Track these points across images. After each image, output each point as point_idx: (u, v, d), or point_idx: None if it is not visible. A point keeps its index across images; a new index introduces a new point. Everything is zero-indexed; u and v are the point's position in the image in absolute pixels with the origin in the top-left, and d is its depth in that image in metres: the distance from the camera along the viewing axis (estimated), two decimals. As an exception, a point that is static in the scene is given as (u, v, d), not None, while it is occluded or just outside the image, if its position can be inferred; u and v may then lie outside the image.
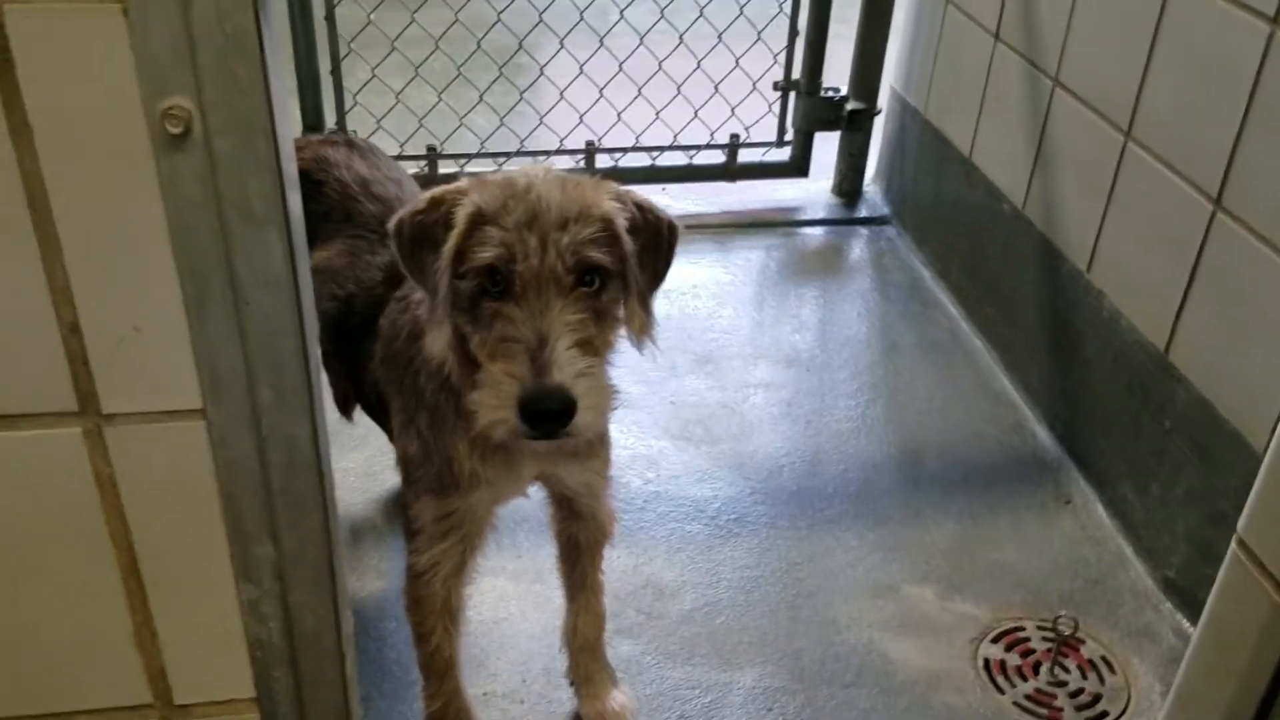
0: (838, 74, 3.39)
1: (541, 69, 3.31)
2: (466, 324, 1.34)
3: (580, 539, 1.76)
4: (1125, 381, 2.27)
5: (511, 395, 1.23)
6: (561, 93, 3.28)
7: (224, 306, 0.94)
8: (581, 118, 3.31)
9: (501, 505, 1.65)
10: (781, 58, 3.34)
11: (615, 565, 2.15)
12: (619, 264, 1.33)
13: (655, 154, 3.39)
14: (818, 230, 3.41)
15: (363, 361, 1.69)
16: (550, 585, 2.10)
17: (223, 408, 0.99)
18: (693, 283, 3.08)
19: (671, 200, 3.49)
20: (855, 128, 3.36)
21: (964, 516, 2.33)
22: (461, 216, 1.30)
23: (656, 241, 1.40)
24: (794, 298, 3.05)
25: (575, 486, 1.65)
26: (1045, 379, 2.59)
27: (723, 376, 2.71)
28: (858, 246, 3.33)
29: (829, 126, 3.37)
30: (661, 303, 2.96)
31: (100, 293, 0.96)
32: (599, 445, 1.61)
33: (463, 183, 1.37)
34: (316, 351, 1.09)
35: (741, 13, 3.30)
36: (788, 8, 3.30)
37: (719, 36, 3.29)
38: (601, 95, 3.29)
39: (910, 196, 3.34)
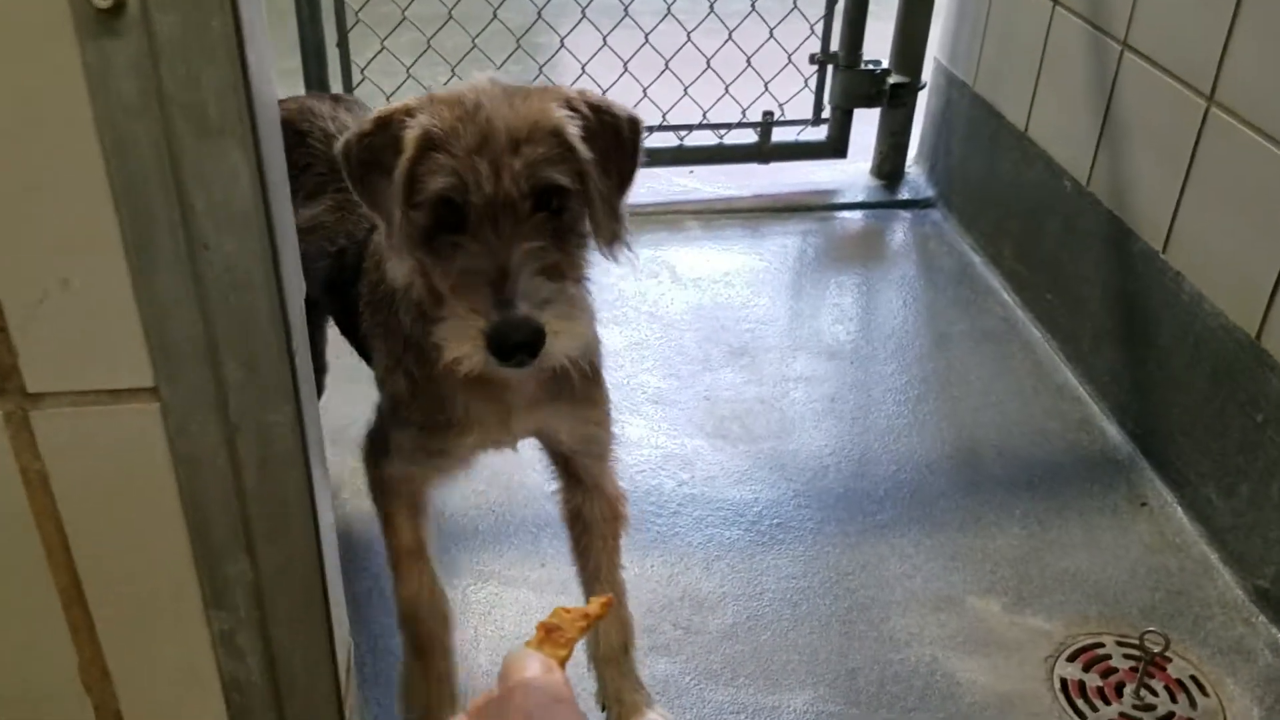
0: (878, 46, 3.18)
1: (562, 42, 3.10)
2: (425, 256, 1.28)
3: (588, 517, 1.65)
4: (1208, 371, 2.05)
5: (477, 330, 1.20)
6: (583, 68, 3.07)
7: (175, 251, 0.73)
8: (604, 94, 3.10)
9: (487, 451, 1.59)
10: (818, 29, 3.12)
11: (649, 574, 1.95)
12: (578, 178, 1.26)
13: (683, 134, 3.18)
14: (856, 214, 3.20)
15: (357, 314, 1.62)
16: (577, 597, 1.89)
17: (179, 386, 0.78)
18: (724, 270, 2.87)
19: (700, 184, 3.28)
20: (897, 103, 3.15)
21: (1030, 521, 2.12)
22: (410, 140, 1.24)
23: (618, 143, 1.32)
24: (833, 286, 2.84)
25: (572, 441, 1.57)
26: (1114, 370, 2.37)
27: (760, 370, 2.50)
28: (900, 231, 3.12)
29: (869, 103, 3.16)
30: (691, 291, 2.78)
31: (12, 233, 0.77)
32: (592, 388, 1.53)
33: (410, 100, 1.29)
34: (299, 313, 0.88)
35: (776, -20, 3.09)
36: (825, -24, 3.09)
37: (752, 6, 3.08)
38: (626, 70, 3.08)
39: (957, 176, 3.12)
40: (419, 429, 1.48)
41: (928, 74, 3.21)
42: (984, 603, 1.95)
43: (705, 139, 3.20)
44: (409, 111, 1.27)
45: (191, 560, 0.88)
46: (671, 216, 3.13)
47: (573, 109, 1.28)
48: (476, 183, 1.21)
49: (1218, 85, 2.00)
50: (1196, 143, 2.07)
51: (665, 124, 3.16)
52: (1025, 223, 2.73)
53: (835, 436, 2.31)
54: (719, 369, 2.50)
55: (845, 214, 3.20)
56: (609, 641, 1.67)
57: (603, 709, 1.69)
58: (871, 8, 3.06)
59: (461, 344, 1.22)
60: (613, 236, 1.33)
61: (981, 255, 2.94)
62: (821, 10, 3.10)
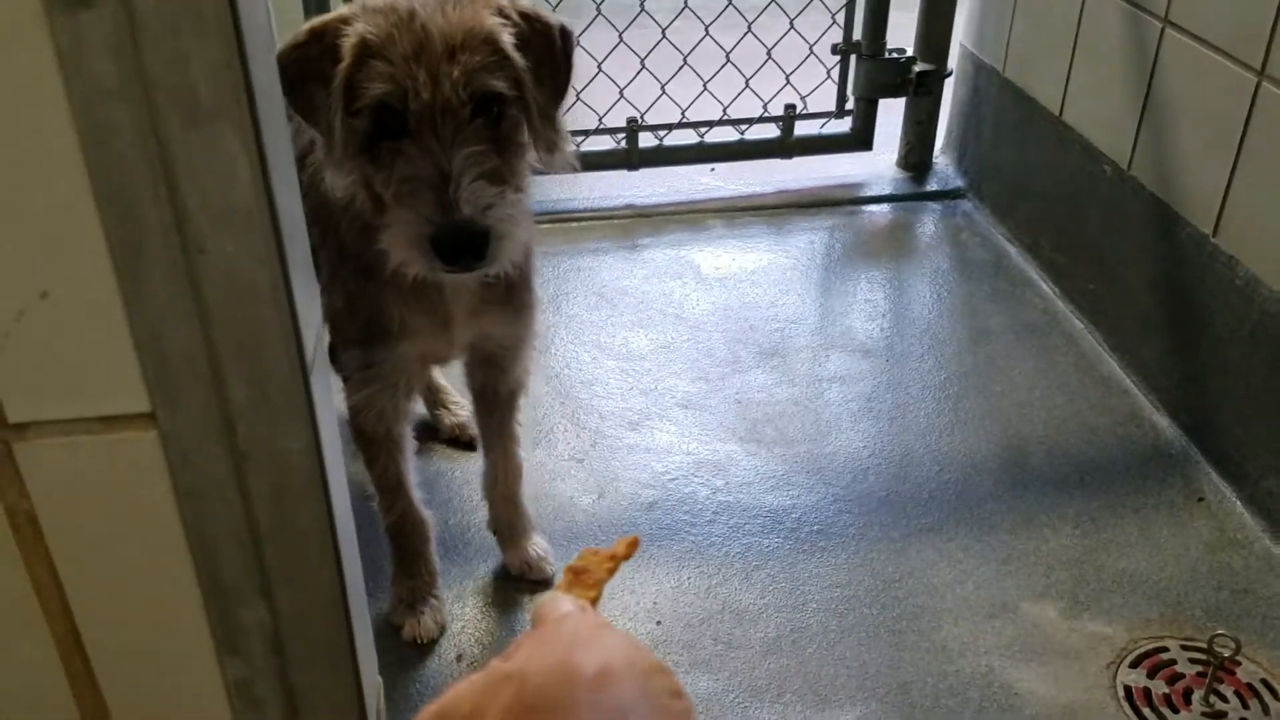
0: (901, 35, 3.08)
1: (576, 40, 3.02)
2: (367, 164, 1.31)
3: (499, 389, 1.75)
4: (1267, 358, 1.95)
5: (422, 234, 1.23)
6: (599, 66, 2.99)
7: (167, 255, 0.65)
8: (622, 93, 3.02)
9: (431, 362, 1.70)
10: (840, 19, 3.03)
11: (685, 587, 1.86)
12: (514, 85, 1.30)
13: (703, 130, 3.09)
14: (884, 207, 3.10)
15: None
16: (610, 609, 1.81)
17: (179, 411, 0.70)
18: (750, 269, 2.78)
19: (721, 181, 3.20)
20: (924, 92, 3.05)
21: (1083, 520, 2.02)
22: (347, 48, 1.26)
23: (550, 52, 1.36)
24: (864, 281, 2.75)
25: (503, 341, 1.64)
26: (1163, 361, 2.26)
27: (791, 370, 2.41)
28: (930, 223, 3.02)
29: (894, 92, 3.06)
30: (717, 291, 2.69)
31: (-18, 241, 0.68)
32: (528, 294, 1.60)
33: (344, 9, 1.31)
34: (315, 322, 0.80)
35: (795, -31, 3.00)
36: (845, -37, 3.00)
37: (770, -2, 2.99)
38: (643, 67, 3.00)
39: (989, 165, 3.02)
40: (360, 345, 1.52)
41: (954, 61, 3.11)
42: (1040, 608, 1.85)
43: (726, 135, 3.11)
44: (344, 20, 1.28)
45: (201, 603, 0.79)
46: (693, 215, 3.04)
47: (504, 16, 1.31)
48: (415, 89, 1.23)
49: (1269, 59, 1.90)
50: (1247, 120, 1.97)
51: (685, 121, 3.07)
52: (1063, 211, 2.63)
53: (874, 437, 2.21)
54: (749, 370, 2.41)
55: (872, 207, 3.10)
56: (505, 482, 1.85)
57: (495, 534, 1.91)
58: (892, -4, 2.97)
59: (407, 248, 1.26)
60: (551, 145, 1.36)
61: (1017, 246, 2.84)
62: (842, 0, 3.01)
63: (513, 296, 1.56)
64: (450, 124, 1.25)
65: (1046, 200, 2.70)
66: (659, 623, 1.80)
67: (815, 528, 1.99)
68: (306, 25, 1.32)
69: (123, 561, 0.77)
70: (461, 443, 2.23)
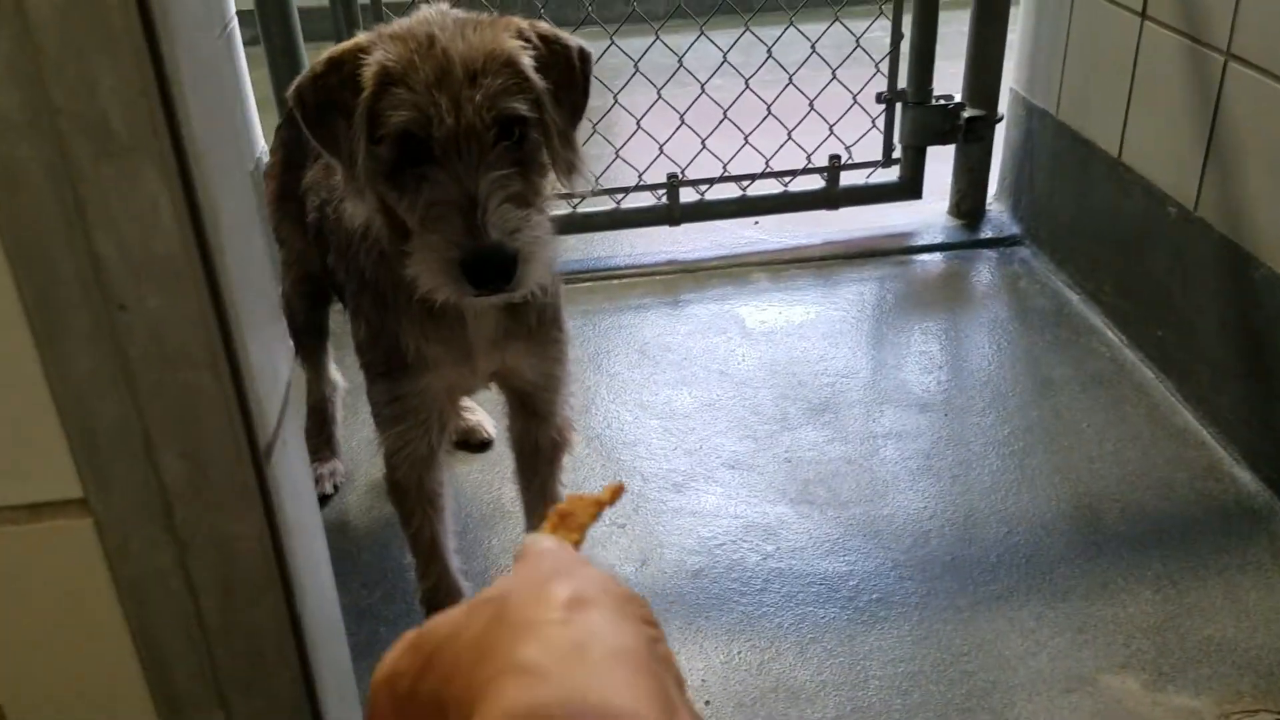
0: (946, 82, 3.00)
1: (615, 99, 2.96)
2: (390, 191, 1.30)
3: (540, 443, 1.69)
4: (1360, 407, 1.80)
5: (451, 259, 1.22)
6: (638, 123, 2.94)
7: (88, 313, 0.56)
8: (661, 148, 2.96)
9: (457, 395, 1.65)
10: (884, 67, 2.95)
11: (736, 662, 1.74)
12: (535, 108, 1.29)
13: (745, 184, 3.02)
14: (936, 256, 2.99)
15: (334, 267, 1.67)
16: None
17: (112, 494, 0.61)
18: (797, 322, 2.68)
19: (765, 234, 3.11)
20: (974, 138, 2.95)
21: (1163, 584, 1.87)
22: (368, 77, 1.25)
23: (569, 74, 1.36)
24: (918, 333, 2.63)
25: (534, 378, 1.59)
26: (1241, 409, 2.12)
27: (844, 427, 2.30)
28: (985, 271, 2.90)
29: (942, 139, 2.97)
30: (763, 346, 2.59)
31: None
32: (555, 329, 1.56)
33: (360, 38, 1.30)
34: (280, 389, 0.71)
35: (836, 19, 2.93)
36: (888, 9, 2.93)
37: (812, 48, 2.92)
38: (683, 122, 2.94)
39: (1045, 211, 2.91)
40: (385, 378, 1.50)
41: (1004, 105, 3.01)
42: (1121, 680, 1.71)
43: (770, 188, 3.03)
44: (361, 49, 1.27)
45: (153, 712, 0.69)
46: (737, 269, 2.96)
47: (524, 39, 1.30)
48: (439, 115, 1.22)
49: (1345, 87, 1.79)
50: (1324, 152, 1.85)
51: (726, 175, 3.00)
52: (1126, 255, 2.50)
53: (934, 498, 2.08)
54: (799, 428, 2.30)
55: (924, 257, 2.99)
56: None
57: None
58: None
59: (436, 273, 1.24)
60: (569, 166, 1.36)
61: (1079, 293, 2.72)
62: (885, 48, 2.94)
63: (538, 327, 1.53)
64: (475, 148, 1.24)
65: (1108, 245, 2.58)
66: (708, 702, 1.68)
67: (874, 596, 1.86)
68: (324, 55, 1.31)
69: (63, 667, 0.67)
70: (471, 446, 2.22)
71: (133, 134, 0.56)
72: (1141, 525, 2.00)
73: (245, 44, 2.68)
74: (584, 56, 1.38)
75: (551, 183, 1.39)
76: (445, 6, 1.35)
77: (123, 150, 0.56)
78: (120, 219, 0.58)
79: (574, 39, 1.37)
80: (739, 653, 1.76)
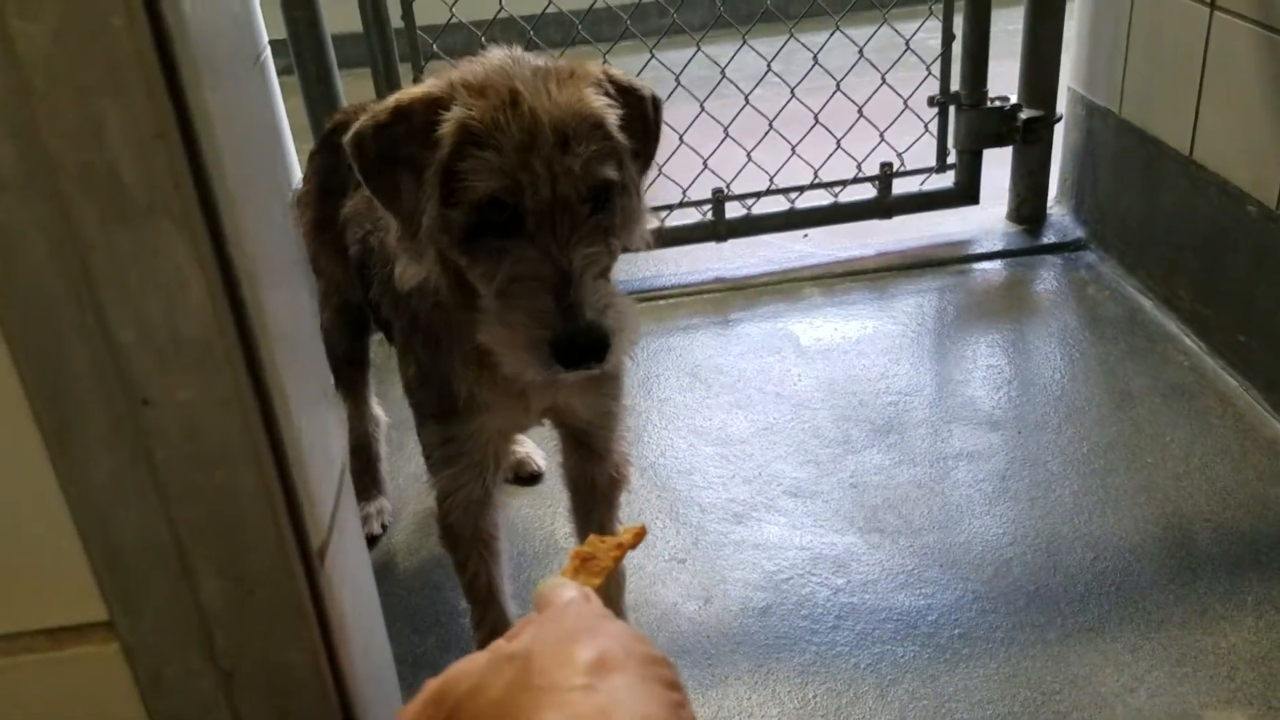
0: (1000, 84, 2.88)
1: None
2: (461, 256, 1.22)
3: (597, 481, 1.61)
4: None
5: (542, 339, 1.16)
6: (680, 137, 2.84)
7: (107, 410, 0.47)
8: (706, 163, 2.86)
9: (511, 434, 1.60)
10: (935, 69, 2.84)
11: (811, 707, 1.63)
12: (619, 169, 1.22)
13: (793, 196, 2.91)
14: (997, 264, 2.87)
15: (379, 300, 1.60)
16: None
17: (143, 618, 0.52)
18: (854, 338, 2.57)
19: (815, 247, 3.00)
20: (1032, 139, 2.83)
21: (1265, 609, 1.74)
22: (447, 134, 1.16)
23: (645, 126, 1.29)
24: (983, 346, 2.51)
25: (590, 417, 1.52)
26: (1342, 420, 1.98)
27: (911, 448, 2.18)
28: (1050, 278, 2.77)
29: (999, 142, 2.85)
30: (820, 364, 2.49)
31: None
32: (613, 367, 1.46)
33: (432, 87, 1.21)
34: (331, 486, 0.61)
35: (884, 21, 2.82)
36: (938, 10, 2.82)
37: (859, 53, 2.81)
38: (726, 135, 2.84)
39: (1111, 213, 2.78)
40: (436, 420, 1.45)
41: (1062, 105, 2.89)
42: (1227, 716, 1.58)
43: (819, 199, 2.93)
44: (435, 100, 1.19)
45: None
46: (788, 285, 2.85)
47: (603, 91, 1.23)
48: (533, 185, 1.15)
49: None
50: None
51: (774, 188, 2.90)
52: (1202, 257, 2.37)
53: (1013, 522, 1.96)
54: (863, 451, 2.19)
55: (984, 265, 2.87)
56: (606, 594, 1.55)
57: None
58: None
59: (524, 352, 1.18)
60: (642, 226, 1.30)
61: (1152, 298, 2.58)
62: (935, 50, 2.83)
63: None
64: (568, 220, 1.17)
65: (1181, 247, 2.45)
66: (784, 751, 1.57)
67: (956, 631, 1.75)
68: (391, 101, 1.22)
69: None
70: (522, 479, 2.16)
71: (150, 190, 0.46)
72: (1237, 546, 1.87)
73: (278, 74, 2.63)
74: (656, 105, 1.31)
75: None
76: (519, 52, 1.26)
77: (139, 212, 0.46)
78: (140, 296, 0.48)
79: (647, 86, 1.30)
80: (814, 696, 1.65)
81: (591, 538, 0.82)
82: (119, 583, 0.52)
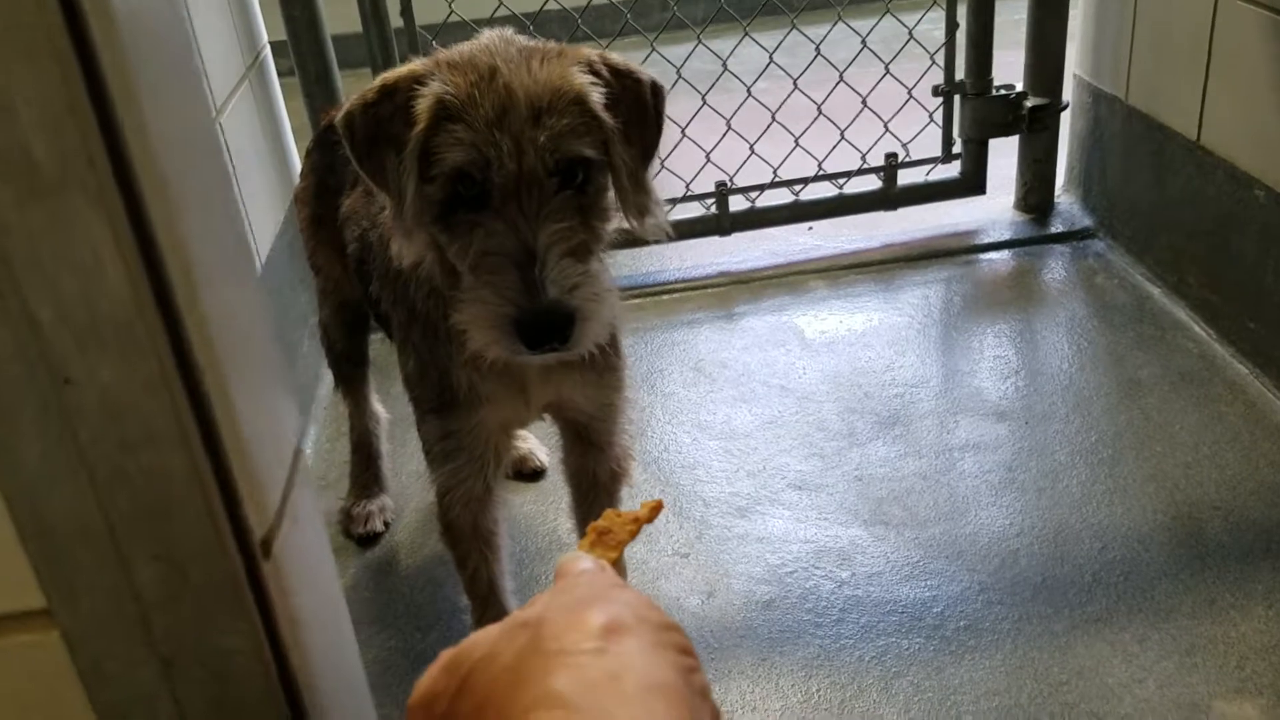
0: (1005, 72, 2.86)
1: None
2: (440, 233, 1.21)
3: (598, 474, 1.58)
4: None
5: (504, 315, 1.15)
6: (683, 131, 2.83)
7: (33, 391, 0.46)
8: (708, 156, 2.85)
9: (511, 429, 1.57)
10: (939, 59, 2.82)
11: (815, 701, 1.61)
12: (602, 148, 1.19)
13: (797, 188, 2.89)
14: (1004, 254, 2.84)
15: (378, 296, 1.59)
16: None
17: (80, 604, 0.50)
18: (860, 331, 2.55)
19: (820, 240, 2.98)
20: (1038, 128, 2.80)
21: (1276, 598, 1.72)
22: (423, 109, 1.16)
23: (641, 111, 1.25)
24: (990, 336, 2.49)
25: (591, 409, 1.50)
26: (1354, 405, 1.96)
27: (916, 440, 2.16)
28: (1058, 267, 2.75)
29: (1005, 131, 2.82)
30: (825, 357, 2.47)
31: None
32: (613, 356, 1.46)
33: (416, 65, 1.20)
34: (282, 469, 0.60)
35: (888, 11, 2.80)
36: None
37: (863, 43, 2.79)
38: (729, 128, 2.83)
39: (1119, 200, 2.75)
40: (436, 414, 1.43)
41: (1068, 93, 2.86)
42: (1236, 707, 1.56)
43: (824, 191, 2.91)
44: (417, 78, 1.18)
45: None
46: (793, 278, 2.83)
47: (594, 73, 1.21)
48: (499, 158, 1.13)
49: None
50: None
51: (777, 180, 2.88)
52: (1210, 243, 2.34)
53: (1020, 513, 1.94)
54: (868, 443, 2.17)
55: (992, 255, 2.85)
56: None
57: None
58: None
59: (488, 330, 1.17)
60: (641, 210, 1.26)
61: (1161, 286, 2.55)
62: (939, 39, 2.80)
63: (593, 358, 1.42)
64: (535, 196, 1.15)
65: (1190, 234, 2.42)
66: (787, 745, 1.56)
67: (962, 624, 1.73)
68: (378, 81, 1.22)
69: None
70: (523, 475, 2.14)
71: (62, 166, 0.44)
72: (1247, 535, 1.84)
73: (280, 75, 2.63)
74: (656, 91, 1.27)
75: (615, 225, 1.28)
76: (509, 32, 1.25)
77: (51, 188, 0.44)
78: (56, 275, 0.46)
79: (646, 72, 1.27)
80: (818, 690, 1.64)
81: (608, 512, 0.82)
82: (55, 568, 0.51)
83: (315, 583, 0.62)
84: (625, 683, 0.55)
